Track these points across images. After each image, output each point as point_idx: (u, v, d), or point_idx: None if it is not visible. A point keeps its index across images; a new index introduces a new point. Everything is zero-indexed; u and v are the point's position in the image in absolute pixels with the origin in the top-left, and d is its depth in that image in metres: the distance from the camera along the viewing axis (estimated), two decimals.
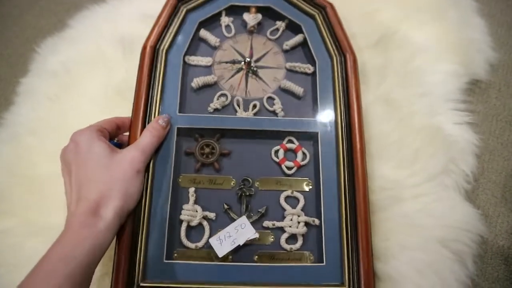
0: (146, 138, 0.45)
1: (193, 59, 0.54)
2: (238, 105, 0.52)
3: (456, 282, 0.46)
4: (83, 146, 0.42)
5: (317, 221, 0.47)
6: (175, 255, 0.45)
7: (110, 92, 0.57)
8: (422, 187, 0.50)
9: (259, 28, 0.57)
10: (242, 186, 0.48)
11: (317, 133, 0.50)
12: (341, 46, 0.53)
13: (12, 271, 0.49)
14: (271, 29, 0.57)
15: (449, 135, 0.53)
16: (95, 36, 0.62)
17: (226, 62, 0.54)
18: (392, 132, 0.52)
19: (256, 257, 0.46)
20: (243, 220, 0.46)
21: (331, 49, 0.53)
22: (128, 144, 0.47)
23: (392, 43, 0.57)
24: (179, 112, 0.50)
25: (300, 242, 0.46)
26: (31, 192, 0.53)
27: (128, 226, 0.43)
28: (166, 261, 0.44)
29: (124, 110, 0.50)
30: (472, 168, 0.52)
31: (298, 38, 0.56)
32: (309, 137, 0.50)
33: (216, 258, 0.44)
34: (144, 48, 0.51)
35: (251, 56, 0.55)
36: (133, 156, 0.43)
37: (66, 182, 0.42)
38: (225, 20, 0.56)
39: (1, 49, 0.72)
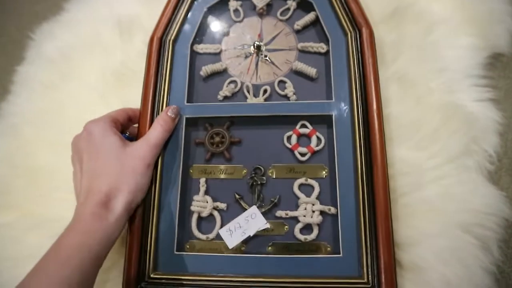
0: (157, 132, 0.44)
1: (201, 47, 0.52)
2: (248, 91, 0.50)
3: (481, 269, 0.42)
4: (96, 136, 0.42)
5: (333, 210, 0.44)
6: (187, 246, 0.45)
7: (108, 77, 0.55)
8: (442, 169, 0.46)
9: (269, 9, 0.54)
10: (254, 175, 0.46)
11: (332, 115, 0.46)
12: (355, 20, 0.49)
13: (13, 265, 0.48)
14: (282, 9, 0.54)
15: (470, 113, 0.49)
16: (91, 19, 0.60)
17: (235, 48, 0.52)
18: (408, 111, 0.49)
19: (269, 248, 0.44)
20: (254, 210, 0.44)
21: (345, 24, 0.49)
22: (137, 136, 0.47)
23: (407, 16, 0.53)
24: (187, 101, 0.49)
25: (315, 232, 0.43)
26: (31, 184, 0.52)
27: (139, 219, 0.44)
28: (177, 252, 0.43)
29: (122, 94, 0.48)
30: (495, 147, 0.48)
31: (310, 16, 0.52)
32: (323, 121, 0.47)
33: (227, 249, 0.43)
34: (151, 39, 0.50)
35: (260, 40, 0.53)
36: (144, 150, 0.43)
37: (76, 169, 0.43)
38: (233, 4, 0.54)
39: None
